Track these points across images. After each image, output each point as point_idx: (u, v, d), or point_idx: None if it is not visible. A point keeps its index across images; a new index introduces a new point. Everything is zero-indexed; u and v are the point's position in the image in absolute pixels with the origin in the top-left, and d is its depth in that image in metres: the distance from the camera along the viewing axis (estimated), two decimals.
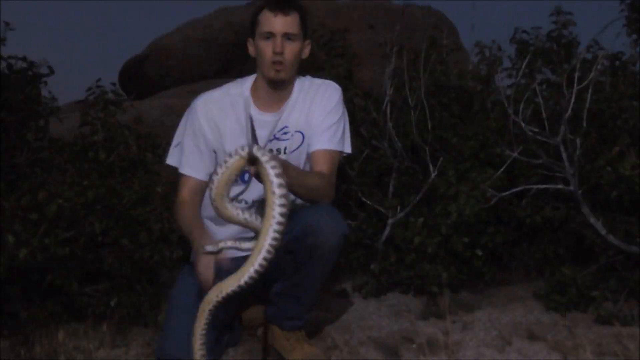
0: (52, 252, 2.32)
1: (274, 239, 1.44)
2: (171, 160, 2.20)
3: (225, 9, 8.92)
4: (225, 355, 2.27)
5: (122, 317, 2.52)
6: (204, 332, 1.64)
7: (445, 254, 2.80)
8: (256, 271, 1.46)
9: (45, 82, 3.04)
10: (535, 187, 2.85)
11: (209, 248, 1.73)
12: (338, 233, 2.00)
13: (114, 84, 3.15)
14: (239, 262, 2.05)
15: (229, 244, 1.69)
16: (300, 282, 2.10)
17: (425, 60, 3.22)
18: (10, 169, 2.74)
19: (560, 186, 2.76)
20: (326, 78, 2.28)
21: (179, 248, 2.71)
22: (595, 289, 2.62)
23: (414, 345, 2.35)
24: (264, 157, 1.46)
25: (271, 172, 1.45)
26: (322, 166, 2.10)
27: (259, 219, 1.55)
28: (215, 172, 1.51)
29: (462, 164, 3.00)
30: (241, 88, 2.17)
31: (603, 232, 2.62)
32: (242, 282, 1.49)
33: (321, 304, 2.66)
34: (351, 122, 3.24)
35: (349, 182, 3.15)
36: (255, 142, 1.51)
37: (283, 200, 1.43)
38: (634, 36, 3.20)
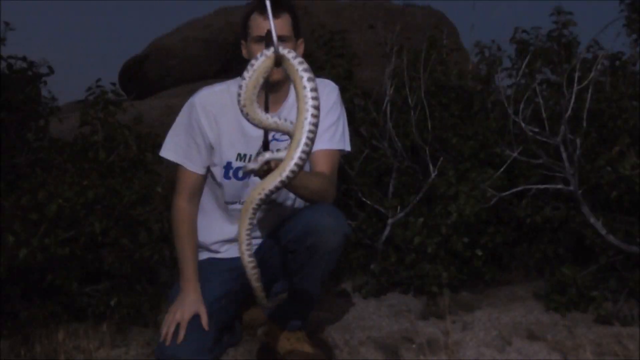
0: (52, 252, 2.32)
1: (310, 131, 1.42)
2: (166, 153, 2.17)
3: (225, 9, 8.91)
4: (225, 355, 2.28)
5: (122, 317, 2.51)
6: (248, 232, 1.63)
7: (445, 254, 2.80)
8: (296, 164, 1.44)
9: (45, 82, 3.04)
10: (535, 187, 2.85)
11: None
12: (339, 233, 2.00)
13: (114, 84, 3.15)
14: (237, 263, 2.06)
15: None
16: (301, 282, 2.09)
17: (425, 60, 3.22)
18: (10, 169, 2.74)
19: (560, 186, 2.76)
20: (326, 78, 2.27)
21: None
22: (595, 289, 2.62)
23: (414, 345, 2.35)
24: (290, 54, 1.45)
25: (299, 67, 1.44)
26: (323, 167, 2.10)
27: (288, 121, 1.55)
28: (242, 76, 1.50)
29: (462, 164, 3.01)
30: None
31: (603, 232, 2.62)
32: (283, 176, 1.47)
33: (321, 304, 2.66)
34: (351, 122, 3.26)
35: (349, 182, 3.15)
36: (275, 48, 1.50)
37: (314, 94, 1.42)
38: (634, 36, 3.20)
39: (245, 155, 2.14)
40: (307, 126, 1.42)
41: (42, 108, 3.03)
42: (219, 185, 2.19)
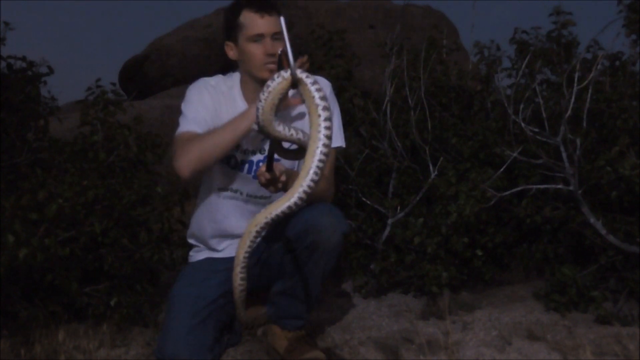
0: (52, 252, 2.32)
1: (321, 160, 1.42)
2: (189, 126, 2.06)
3: (225, 9, 8.92)
4: (225, 355, 2.28)
5: (122, 317, 2.51)
6: (247, 254, 1.63)
7: (445, 254, 2.80)
8: (305, 192, 1.45)
9: (45, 82, 3.04)
10: (535, 187, 2.85)
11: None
12: (339, 231, 2.01)
13: (114, 84, 3.15)
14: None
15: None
16: (301, 281, 2.10)
17: (425, 60, 3.22)
18: (10, 169, 2.73)
19: (560, 186, 2.76)
20: (326, 78, 2.27)
21: (179, 248, 2.71)
22: (595, 289, 2.61)
23: (414, 345, 2.35)
24: (308, 79, 1.44)
25: (316, 94, 1.43)
26: None
27: (306, 135, 1.54)
28: (259, 99, 1.49)
29: (462, 164, 3.01)
30: (231, 82, 2.18)
31: (603, 232, 2.62)
32: (291, 202, 1.47)
33: (321, 304, 2.66)
34: (351, 122, 3.27)
35: (349, 182, 3.15)
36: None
37: (328, 123, 1.42)
38: (634, 36, 3.20)
39: (239, 145, 2.15)
40: (318, 155, 1.42)
41: (42, 108, 3.03)
42: (218, 168, 2.19)
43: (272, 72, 2.06)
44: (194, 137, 2.00)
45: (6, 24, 2.91)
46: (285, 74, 1.45)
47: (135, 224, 2.62)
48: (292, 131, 1.55)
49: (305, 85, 1.44)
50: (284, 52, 1.46)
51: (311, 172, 1.43)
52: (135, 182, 2.73)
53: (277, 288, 2.19)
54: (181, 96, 2.22)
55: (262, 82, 2.11)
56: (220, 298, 2.17)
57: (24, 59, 3.00)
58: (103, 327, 2.48)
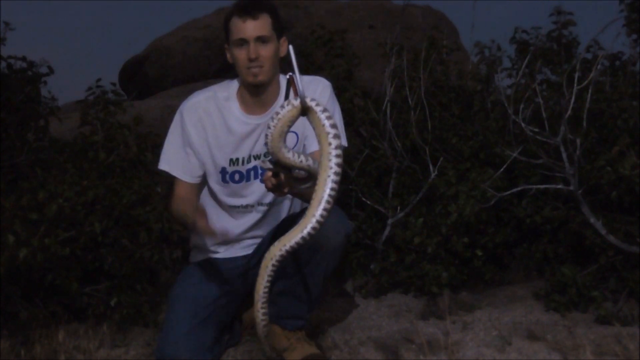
0: (52, 252, 2.32)
1: (332, 189, 1.42)
2: (163, 165, 2.21)
3: (225, 9, 8.90)
4: (225, 355, 2.28)
5: (122, 317, 2.51)
6: (267, 289, 1.62)
7: (445, 254, 2.80)
8: (317, 222, 1.44)
9: (45, 82, 3.04)
10: (535, 187, 2.85)
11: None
12: (341, 232, 2.01)
13: (114, 84, 3.15)
14: (236, 262, 2.05)
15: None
16: (302, 281, 2.10)
17: (425, 60, 3.22)
18: (10, 169, 2.74)
19: (560, 186, 2.76)
20: (326, 78, 2.27)
21: (179, 248, 2.71)
22: (595, 289, 2.61)
23: (414, 345, 2.35)
24: (317, 107, 1.43)
25: (326, 122, 1.42)
26: None
27: (316, 162, 1.53)
28: (268, 126, 1.49)
29: (462, 164, 3.01)
30: (227, 91, 2.17)
31: (603, 232, 2.62)
32: (304, 233, 1.47)
33: (321, 304, 2.66)
34: (351, 122, 3.27)
35: (349, 182, 3.15)
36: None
37: (339, 151, 1.42)
38: (634, 36, 3.20)
39: (237, 159, 2.15)
40: (329, 184, 1.42)
41: (42, 108, 3.03)
42: (219, 189, 2.21)
43: (255, 76, 2.06)
44: (173, 197, 2.19)
45: (6, 24, 2.92)
46: (295, 102, 1.44)
47: (135, 224, 2.61)
48: (302, 157, 1.55)
49: (315, 113, 1.43)
50: (293, 78, 1.45)
51: (323, 201, 1.43)
52: (135, 182, 2.73)
53: (278, 288, 2.18)
54: (181, 96, 2.23)
55: (249, 87, 2.12)
56: (220, 298, 2.17)
57: (24, 59, 3.00)
58: (103, 327, 2.48)
